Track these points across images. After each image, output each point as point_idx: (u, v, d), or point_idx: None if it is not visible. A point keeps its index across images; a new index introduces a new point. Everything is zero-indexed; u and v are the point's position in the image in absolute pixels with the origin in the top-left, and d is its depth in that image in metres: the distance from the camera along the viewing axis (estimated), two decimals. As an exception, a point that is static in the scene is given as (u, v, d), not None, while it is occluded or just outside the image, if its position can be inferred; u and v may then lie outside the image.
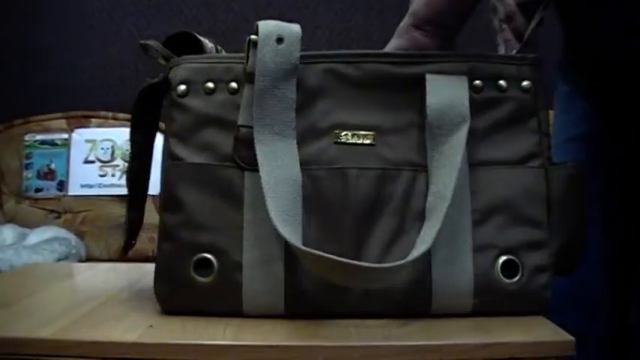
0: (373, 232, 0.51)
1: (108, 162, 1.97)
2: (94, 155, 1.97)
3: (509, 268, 0.51)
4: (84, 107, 2.02)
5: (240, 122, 0.52)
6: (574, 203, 0.53)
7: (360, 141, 0.52)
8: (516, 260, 0.52)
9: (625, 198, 0.72)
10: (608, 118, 0.72)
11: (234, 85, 0.52)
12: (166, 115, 0.55)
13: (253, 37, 0.51)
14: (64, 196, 1.94)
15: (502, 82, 0.52)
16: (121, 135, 1.98)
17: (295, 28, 0.51)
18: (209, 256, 0.51)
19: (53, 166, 1.97)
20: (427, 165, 0.51)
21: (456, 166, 0.48)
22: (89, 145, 1.98)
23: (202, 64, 0.53)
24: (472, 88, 0.52)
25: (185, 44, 0.56)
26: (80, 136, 1.99)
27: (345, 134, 0.52)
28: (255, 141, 0.50)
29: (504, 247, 0.52)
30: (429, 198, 0.50)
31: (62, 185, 1.96)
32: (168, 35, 0.56)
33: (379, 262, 0.50)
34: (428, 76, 0.51)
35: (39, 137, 1.99)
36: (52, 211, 1.95)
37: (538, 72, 0.54)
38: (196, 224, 0.51)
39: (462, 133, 0.49)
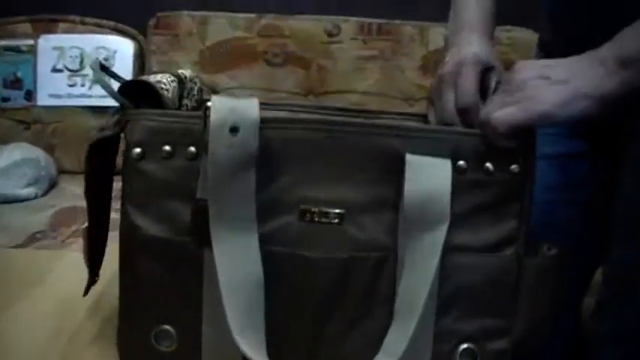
0: (335, 317, 0.49)
1: (77, 71, 1.88)
2: (62, 64, 1.88)
3: (468, 356, 0.51)
4: (50, 10, 1.90)
5: (198, 195, 0.48)
6: (545, 293, 0.51)
7: (327, 220, 0.49)
8: (475, 349, 0.50)
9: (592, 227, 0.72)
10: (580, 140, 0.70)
11: (192, 149, 0.48)
12: (123, 173, 0.51)
13: (209, 103, 0.47)
14: (33, 106, 1.87)
15: (489, 165, 0.48)
16: (89, 42, 1.88)
17: (252, 112, 0.46)
18: (169, 327, 0.51)
19: (20, 74, 1.88)
20: (397, 251, 0.49)
21: (431, 272, 0.46)
22: (57, 52, 1.88)
23: (159, 124, 0.48)
24: (455, 169, 0.48)
25: (143, 92, 0.51)
26: (47, 42, 1.88)
27: (312, 212, 0.49)
28: (212, 237, 0.46)
29: (465, 335, 0.50)
30: (399, 294, 0.48)
31: (30, 95, 1.88)
32: (125, 81, 0.51)
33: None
34: (408, 158, 0.47)
35: (3, 43, 1.88)
36: (20, 121, 1.89)
37: (532, 153, 0.50)
38: (155, 300, 0.50)
39: (440, 235, 0.46)
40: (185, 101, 0.57)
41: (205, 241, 0.48)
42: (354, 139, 0.48)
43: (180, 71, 0.57)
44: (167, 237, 0.49)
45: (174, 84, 0.54)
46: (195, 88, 0.59)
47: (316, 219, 0.49)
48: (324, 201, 0.49)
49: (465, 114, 0.54)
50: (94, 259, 0.57)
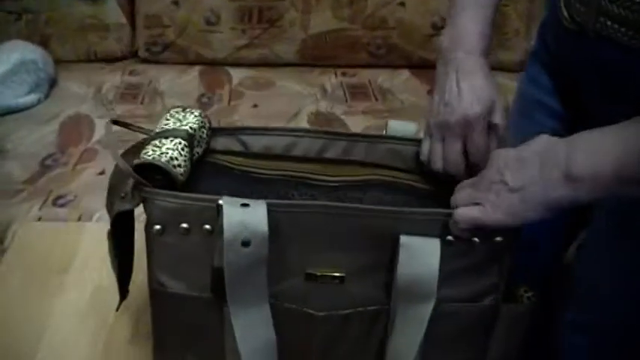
0: (333, 355, 0.58)
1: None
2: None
3: None
4: None
5: (215, 264, 0.54)
6: (517, 335, 0.59)
7: (329, 281, 0.56)
8: None
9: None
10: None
11: (207, 227, 0.54)
12: (147, 240, 0.56)
13: (221, 202, 0.51)
14: (21, -6, 1.82)
15: (475, 240, 0.54)
16: None
17: (262, 226, 0.50)
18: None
19: (4, -38, 1.79)
20: (390, 307, 0.56)
21: (417, 341, 0.53)
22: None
23: (174, 205, 0.53)
24: (443, 242, 0.54)
25: (156, 171, 0.55)
26: None
27: (316, 275, 0.55)
28: (231, 314, 0.53)
29: None
30: (388, 353, 0.56)
31: (17, -17, 1.81)
32: (138, 164, 0.55)
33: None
34: (402, 239, 0.53)
35: None
36: (10, 12, 1.84)
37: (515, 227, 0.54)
38: (183, 341, 0.59)
39: (426, 309, 0.53)
40: (196, 150, 0.60)
41: (224, 298, 0.55)
42: (352, 221, 0.53)
43: (188, 125, 0.59)
44: (190, 294, 0.56)
45: (185, 151, 0.57)
46: (205, 132, 0.62)
47: (320, 281, 0.56)
48: (326, 266, 0.55)
49: (475, 168, 0.59)
50: (122, 280, 0.64)
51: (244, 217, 0.50)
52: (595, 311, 0.75)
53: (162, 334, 0.60)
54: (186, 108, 0.62)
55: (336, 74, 1.72)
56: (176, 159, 0.55)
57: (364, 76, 1.71)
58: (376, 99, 1.62)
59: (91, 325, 0.73)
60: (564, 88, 0.74)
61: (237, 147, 0.65)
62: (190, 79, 1.71)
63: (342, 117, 1.53)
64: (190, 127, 0.59)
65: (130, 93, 1.64)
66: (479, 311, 0.57)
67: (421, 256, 0.52)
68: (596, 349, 0.75)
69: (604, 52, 0.62)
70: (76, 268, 0.81)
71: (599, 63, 0.64)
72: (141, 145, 0.59)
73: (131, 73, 1.73)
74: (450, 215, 0.53)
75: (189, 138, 0.58)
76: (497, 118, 0.60)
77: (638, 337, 0.73)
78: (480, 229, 0.53)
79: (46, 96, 1.60)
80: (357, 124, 1.48)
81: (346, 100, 1.61)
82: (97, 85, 1.65)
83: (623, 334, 0.73)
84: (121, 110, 1.53)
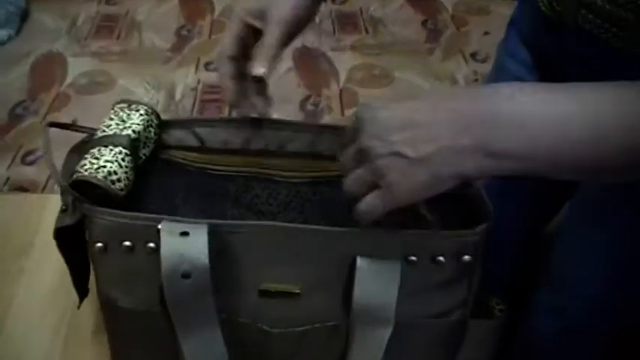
0: None
1: None
2: None
3: None
4: None
5: (162, 281, 0.51)
6: (489, 350, 0.57)
7: (284, 297, 0.52)
8: None
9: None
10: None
11: (151, 245, 0.50)
12: (90, 255, 0.53)
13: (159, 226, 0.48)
14: None
15: (440, 259, 0.50)
16: None
17: (202, 258, 0.46)
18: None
19: None
20: (349, 324, 0.53)
21: (377, 358, 0.51)
22: None
23: (115, 224, 0.50)
24: (406, 261, 0.50)
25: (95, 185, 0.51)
26: None
27: (270, 291, 0.52)
28: (179, 337, 0.51)
29: None
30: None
31: None
32: (75, 181, 0.50)
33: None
34: (359, 262, 0.49)
35: None
36: None
37: (484, 242, 0.51)
38: (137, 353, 0.57)
39: (385, 333, 0.50)
40: (143, 152, 0.56)
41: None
42: (306, 241, 0.50)
43: (131, 128, 0.55)
44: (140, 308, 0.54)
45: (127, 160, 0.53)
46: (152, 131, 0.57)
47: (274, 297, 0.53)
48: (280, 282, 0.52)
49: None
50: (79, 281, 0.62)
51: (183, 247, 0.46)
52: (566, 293, 0.73)
53: (117, 344, 0.59)
54: (131, 104, 0.57)
55: (325, 0, 1.63)
56: (115, 173, 0.51)
57: (356, 3, 1.63)
58: (366, 31, 1.55)
59: (52, 316, 0.72)
60: (545, 71, 0.68)
61: (193, 140, 0.61)
62: (170, 8, 1.62)
63: (329, 54, 1.46)
64: (133, 131, 0.54)
65: (105, 26, 1.56)
66: (445, 326, 0.55)
67: (379, 280, 0.49)
68: (565, 333, 0.74)
69: (584, 46, 0.56)
70: (37, 250, 0.79)
71: (579, 56, 0.58)
72: (85, 145, 0.55)
73: (108, 1, 1.64)
74: (417, 234, 0.50)
75: (132, 145, 0.53)
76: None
77: (609, 322, 0.71)
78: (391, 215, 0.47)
79: (17, 31, 1.53)
80: (344, 62, 1.42)
81: (334, 33, 1.53)
82: (72, 17, 1.57)
83: (596, 318, 0.72)
84: (95, 47, 1.47)
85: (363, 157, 0.45)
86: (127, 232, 0.50)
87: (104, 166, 0.51)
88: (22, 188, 1.04)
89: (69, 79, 1.35)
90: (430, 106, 0.43)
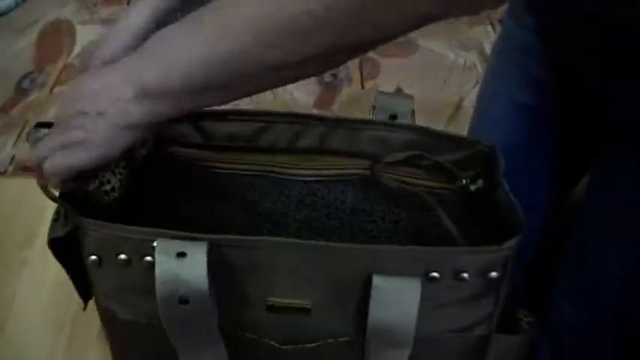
0: None
1: None
2: None
3: None
4: None
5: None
6: None
7: (294, 313, 0.49)
8: None
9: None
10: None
11: (148, 259, 0.47)
12: (86, 268, 0.50)
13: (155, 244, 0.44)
14: None
15: (464, 275, 0.46)
16: None
17: (201, 282, 0.43)
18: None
19: None
20: (364, 341, 0.50)
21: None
22: None
23: (108, 237, 0.46)
24: (427, 278, 0.46)
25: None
26: None
27: (278, 306, 0.49)
28: (179, 356, 0.48)
29: None
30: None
31: None
32: (64, 193, 0.47)
33: None
34: (375, 281, 0.45)
35: None
36: None
37: (513, 257, 0.46)
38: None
39: (403, 354, 0.46)
40: (140, 153, 0.52)
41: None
42: (316, 257, 0.46)
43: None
44: (140, 321, 0.51)
45: (121, 165, 0.49)
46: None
47: (283, 312, 0.49)
48: (290, 296, 0.49)
49: None
50: (81, 290, 0.59)
51: (180, 271, 0.42)
52: (587, 280, 0.69)
53: (117, 354, 0.56)
54: None
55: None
56: (108, 182, 0.47)
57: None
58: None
59: (56, 312, 0.69)
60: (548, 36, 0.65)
61: (197, 136, 0.57)
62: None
63: None
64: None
65: (116, -10, 1.51)
66: (467, 341, 0.51)
67: (397, 301, 0.45)
68: (588, 319, 0.71)
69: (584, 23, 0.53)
70: (42, 240, 0.76)
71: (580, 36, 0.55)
72: None
73: (118, -36, 1.58)
74: (440, 252, 0.46)
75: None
76: None
77: (634, 309, 0.68)
78: (84, 176, 0.48)
79: (24, -3, 1.49)
80: None
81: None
82: (79, -19, 1.52)
83: (620, 306, 0.67)
84: (105, 14, 1.42)
85: (60, 125, 0.47)
86: (121, 245, 0.47)
87: (95, 177, 0.47)
88: (27, 168, 1.01)
89: (77, 49, 1.30)
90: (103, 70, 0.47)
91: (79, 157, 0.46)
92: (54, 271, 0.70)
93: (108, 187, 0.47)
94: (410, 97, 0.59)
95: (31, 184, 0.81)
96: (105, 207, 0.48)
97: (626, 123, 0.58)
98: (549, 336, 0.74)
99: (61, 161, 0.46)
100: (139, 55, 0.46)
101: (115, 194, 0.48)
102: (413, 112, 0.59)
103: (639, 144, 0.58)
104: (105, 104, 0.44)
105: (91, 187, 0.47)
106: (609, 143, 0.62)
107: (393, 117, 0.58)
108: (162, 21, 0.52)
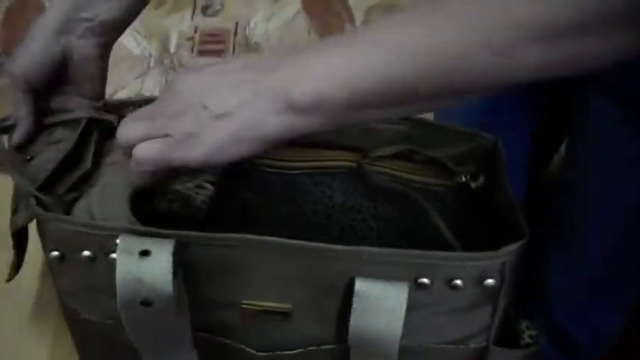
0: None
1: None
2: None
3: None
4: None
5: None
6: None
7: (272, 317, 0.47)
8: None
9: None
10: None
11: (114, 256, 0.45)
12: (48, 264, 0.48)
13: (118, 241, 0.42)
14: None
15: (457, 282, 0.44)
16: None
17: (165, 286, 0.40)
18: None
19: None
20: (348, 351, 0.47)
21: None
22: None
23: (71, 233, 0.45)
24: (416, 285, 0.44)
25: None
26: None
27: (255, 310, 0.47)
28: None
29: None
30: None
31: None
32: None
33: None
34: (358, 285, 0.43)
35: None
36: None
37: (513, 264, 0.44)
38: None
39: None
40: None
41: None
42: (297, 258, 0.44)
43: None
44: (105, 322, 0.49)
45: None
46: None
47: (260, 316, 0.47)
48: (267, 298, 0.47)
49: None
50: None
51: (142, 272, 0.40)
52: (575, 248, 0.72)
53: (83, 355, 0.54)
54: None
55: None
56: (205, 187, 0.46)
57: None
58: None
59: (37, 317, 0.68)
60: None
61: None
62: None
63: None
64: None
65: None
66: (462, 354, 0.48)
67: (381, 309, 0.42)
68: (579, 287, 0.73)
69: None
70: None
71: None
72: None
73: None
74: (430, 256, 0.43)
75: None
76: None
77: (625, 274, 0.71)
78: (175, 170, 0.43)
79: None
80: (360, 1, 1.31)
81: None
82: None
83: (610, 271, 0.71)
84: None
85: (166, 109, 0.43)
86: (85, 241, 0.45)
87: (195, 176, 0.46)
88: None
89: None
90: (240, 64, 0.42)
91: (182, 153, 0.41)
92: (32, 275, 0.69)
93: (203, 192, 0.46)
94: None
95: (5, 184, 0.79)
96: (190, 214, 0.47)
97: (615, 86, 0.59)
98: (544, 306, 0.76)
99: (158, 150, 0.42)
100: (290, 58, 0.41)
101: (206, 200, 0.46)
102: None
103: (617, 95, 0.59)
104: (232, 105, 0.40)
105: (185, 186, 0.45)
106: (586, 97, 0.63)
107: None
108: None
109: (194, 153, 0.41)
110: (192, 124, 0.40)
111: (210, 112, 0.40)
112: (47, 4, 1.30)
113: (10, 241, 0.64)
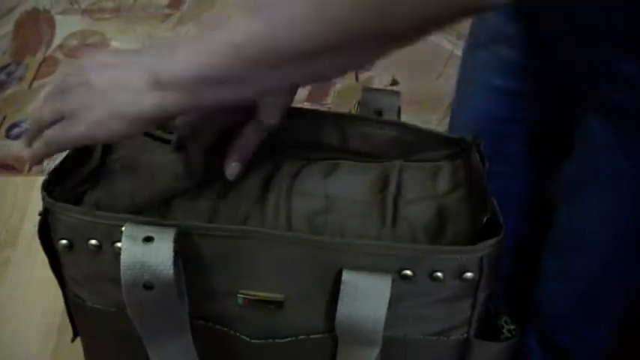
0: None
1: None
2: None
3: None
4: None
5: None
6: None
7: (266, 305, 0.52)
8: None
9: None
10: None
11: (119, 245, 0.50)
12: (56, 252, 0.54)
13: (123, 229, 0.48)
14: None
15: (439, 275, 0.49)
16: None
17: (166, 270, 0.46)
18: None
19: None
20: (336, 340, 0.52)
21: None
22: None
23: (79, 222, 0.50)
24: (400, 276, 0.49)
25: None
26: None
27: (250, 299, 0.52)
28: (146, 347, 0.51)
29: None
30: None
31: None
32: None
33: None
34: (345, 276, 0.48)
35: None
36: None
37: (491, 259, 0.49)
38: (108, 354, 0.58)
39: (372, 354, 0.50)
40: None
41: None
42: (288, 250, 0.49)
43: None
44: (109, 310, 0.54)
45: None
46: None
47: (255, 305, 0.53)
48: (262, 289, 0.52)
49: None
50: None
51: (145, 256, 0.45)
52: (573, 259, 0.74)
53: (87, 343, 0.59)
54: None
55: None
56: None
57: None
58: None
59: (42, 314, 0.71)
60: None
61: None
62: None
63: None
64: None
65: (99, -22, 1.55)
66: (444, 346, 0.53)
67: (366, 297, 0.48)
68: (576, 299, 0.75)
69: None
70: (25, 240, 0.77)
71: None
72: None
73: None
74: (413, 249, 0.49)
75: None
76: None
77: (620, 287, 0.73)
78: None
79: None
80: None
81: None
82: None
83: (607, 284, 0.73)
84: (86, 3, 1.45)
85: (65, 87, 0.47)
86: (92, 230, 0.50)
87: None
88: (6, 166, 1.04)
89: (57, 40, 1.34)
90: (138, 50, 0.47)
91: (66, 131, 0.47)
92: (39, 271, 0.73)
93: None
94: (396, 93, 0.63)
95: (10, 183, 0.84)
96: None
97: (603, 99, 0.62)
98: (539, 317, 0.78)
99: (55, 132, 0.47)
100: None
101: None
102: (399, 108, 0.63)
103: (616, 116, 0.62)
104: (106, 83, 0.45)
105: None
106: (587, 118, 0.66)
107: (378, 113, 0.62)
108: None
109: (75, 130, 0.46)
110: (78, 100, 0.46)
111: (93, 90, 0.45)
112: (57, 18, 1.37)
113: (18, 238, 0.69)
